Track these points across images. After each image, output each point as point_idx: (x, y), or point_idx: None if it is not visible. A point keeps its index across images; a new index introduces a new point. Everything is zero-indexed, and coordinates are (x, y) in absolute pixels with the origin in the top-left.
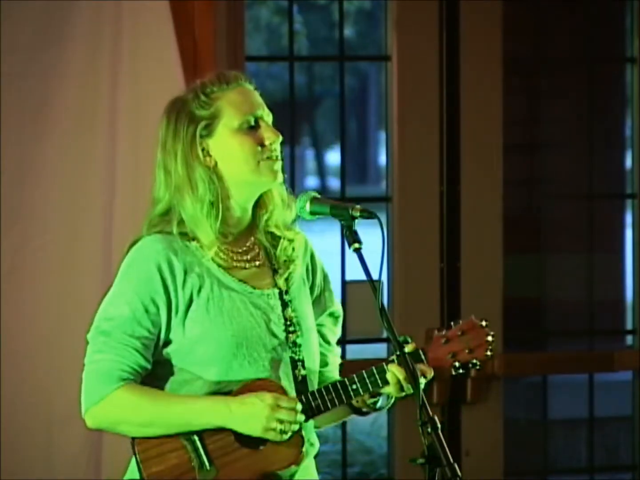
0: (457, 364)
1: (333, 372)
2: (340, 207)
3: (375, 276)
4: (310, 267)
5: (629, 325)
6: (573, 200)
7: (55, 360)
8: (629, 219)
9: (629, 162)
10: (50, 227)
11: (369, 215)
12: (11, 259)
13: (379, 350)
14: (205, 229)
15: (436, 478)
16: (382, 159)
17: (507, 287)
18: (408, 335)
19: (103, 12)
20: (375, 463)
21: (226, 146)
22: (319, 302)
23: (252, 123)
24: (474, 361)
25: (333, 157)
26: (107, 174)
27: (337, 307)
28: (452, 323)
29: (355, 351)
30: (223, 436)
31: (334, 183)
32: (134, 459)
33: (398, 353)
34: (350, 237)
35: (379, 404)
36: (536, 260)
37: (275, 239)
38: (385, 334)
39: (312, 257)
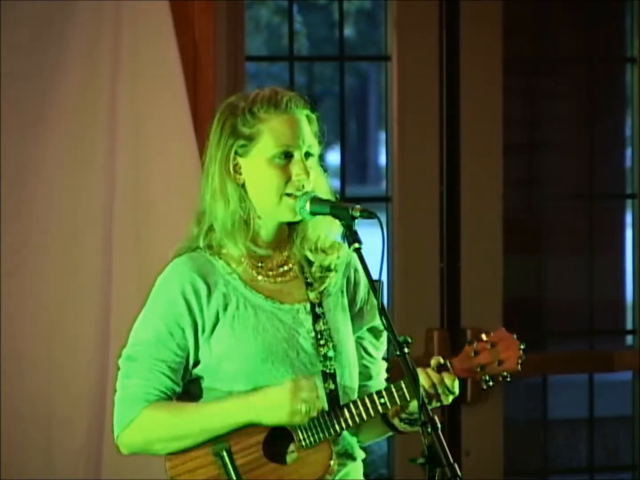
0: (486, 377)
1: (379, 386)
2: (340, 207)
3: (375, 276)
4: (353, 280)
5: (629, 325)
6: (573, 200)
7: (55, 360)
8: (629, 219)
9: (629, 162)
10: (50, 227)
11: (369, 215)
12: (11, 259)
13: None
14: (235, 243)
15: (436, 478)
16: (382, 159)
17: (507, 287)
18: (408, 335)
19: (103, 12)
20: (375, 463)
21: (255, 172)
22: (360, 316)
23: (286, 155)
24: (504, 373)
25: (333, 157)
26: (107, 174)
27: (378, 322)
28: (482, 335)
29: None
30: (251, 451)
31: (334, 183)
32: None
33: (398, 353)
34: (350, 237)
35: (412, 425)
36: (536, 261)
37: (310, 253)
38: (385, 334)
39: (356, 271)
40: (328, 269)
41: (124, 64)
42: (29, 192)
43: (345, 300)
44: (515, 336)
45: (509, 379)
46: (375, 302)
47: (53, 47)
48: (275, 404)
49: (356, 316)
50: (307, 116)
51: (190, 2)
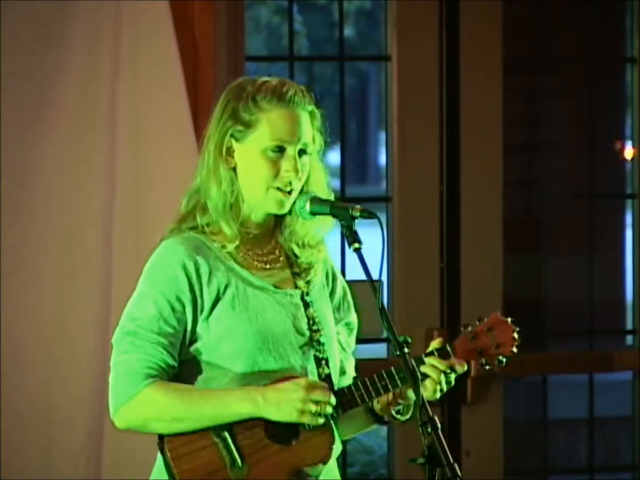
0: (484, 360)
1: (349, 382)
2: (340, 207)
3: (375, 276)
4: (330, 276)
5: (629, 325)
6: (573, 200)
7: (55, 360)
8: (629, 219)
9: (629, 162)
10: (50, 227)
11: (369, 215)
12: (11, 259)
13: (379, 350)
14: (227, 223)
15: (436, 478)
16: (382, 159)
17: (507, 287)
18: (408, 335)
19: (103, 12)
20: (375, 463)
21: (247, 159)
22: (338, 311)
23: (279, 149)
24: (500, 357)
25: (333, 157)
26: (107, 173)
27: (353, 318)
28: (477, 320)
29: (355, 351)
30: (254, 432)
31: (334, 183)
32: (159, 458)
33: (398, 353)
34: (350, 237)
35: (402, 415)
36: (536, 261)
37: (296, 247)
38: (385, 334)
39: (333, 268)
40: (311, 262)
41: (124, 64)
42: (29, 192)
43: (327, 294)
44: (510, 320)
45: (504, 364)
46: (350, 299)
47: (53, 47)
48: (287, 400)
49: (334, 311)
50: (311, 112)
51: (190, 2)
